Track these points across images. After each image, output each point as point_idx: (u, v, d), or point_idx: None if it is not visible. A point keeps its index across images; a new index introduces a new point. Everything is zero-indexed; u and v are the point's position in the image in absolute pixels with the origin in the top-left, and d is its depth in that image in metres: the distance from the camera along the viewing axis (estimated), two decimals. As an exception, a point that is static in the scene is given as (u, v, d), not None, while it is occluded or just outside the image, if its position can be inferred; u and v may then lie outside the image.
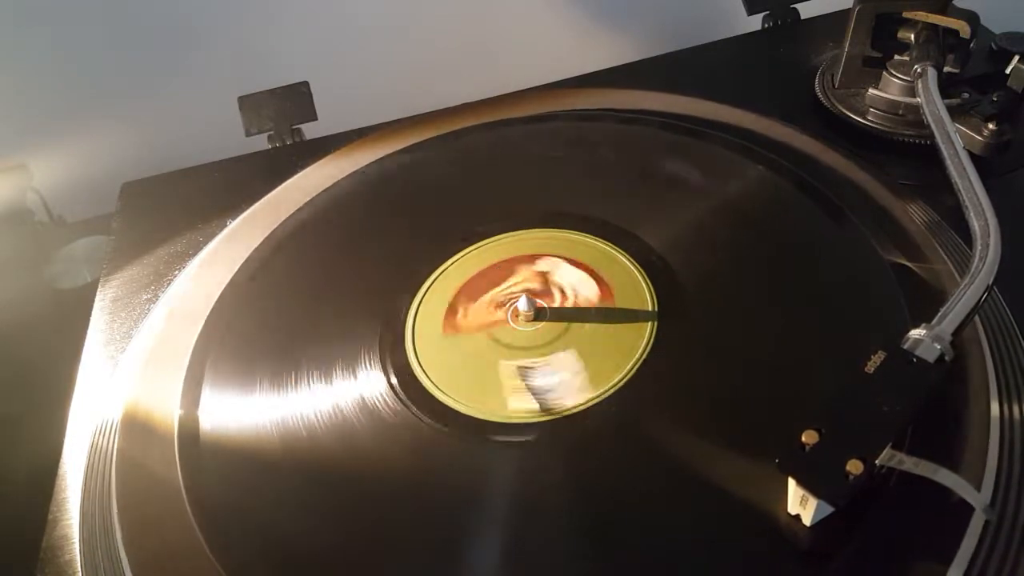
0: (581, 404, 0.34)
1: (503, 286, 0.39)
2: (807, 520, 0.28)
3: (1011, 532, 0.28)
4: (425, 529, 0.31)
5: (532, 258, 0.41)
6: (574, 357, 0.35)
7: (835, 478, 0.27)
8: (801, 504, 0.28)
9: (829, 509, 0.27)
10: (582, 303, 0.38)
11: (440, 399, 0.35)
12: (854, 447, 0.27)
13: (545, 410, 0.33)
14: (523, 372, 0.35)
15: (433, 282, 0.40)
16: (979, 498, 0.27)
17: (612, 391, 0.34)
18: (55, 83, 0.64)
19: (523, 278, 0.40)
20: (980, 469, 0.30)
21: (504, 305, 0.38)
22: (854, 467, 0.27)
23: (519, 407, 0.34)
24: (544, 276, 0.40)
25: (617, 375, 0.34)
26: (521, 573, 0.29)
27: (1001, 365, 0.33)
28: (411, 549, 0.30)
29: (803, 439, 0.28)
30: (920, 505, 0.28)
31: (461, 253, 0.42)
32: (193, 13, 0.65)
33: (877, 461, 0.27)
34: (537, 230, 0.42)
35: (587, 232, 0.41)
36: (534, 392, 0.34)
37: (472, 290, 0.40)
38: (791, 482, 0.28)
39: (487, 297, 0.39)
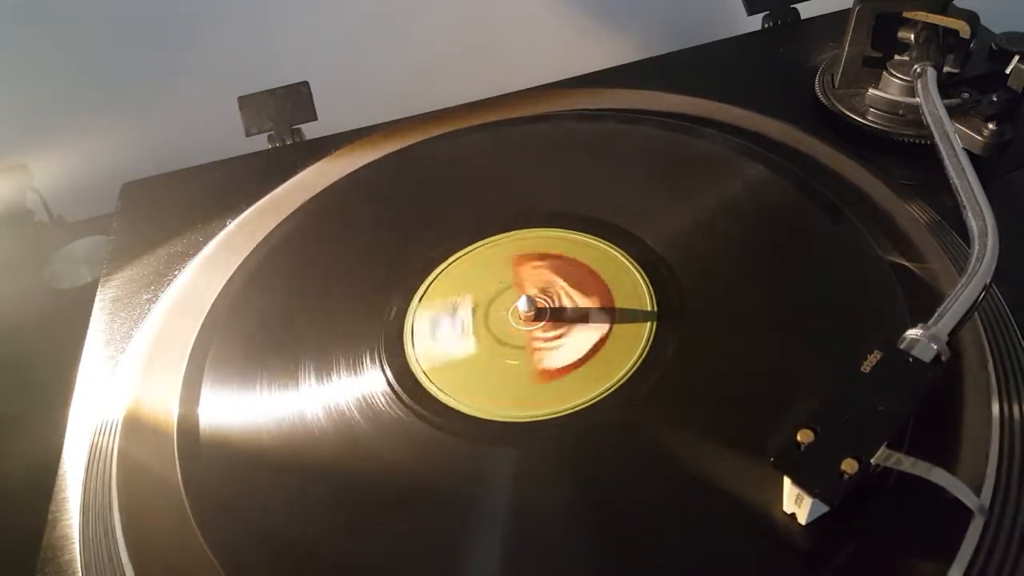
0: (581, 404, 0.34)
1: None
2: (802, 519, 0.28)
3: (1011, 532, 0.28)
4: (425, 529, 0.31)
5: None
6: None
7: (830, 477, 0.27)
8: (796, 503, 0.28)
9: (824, 508, 0.28)
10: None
11: (440, 399, 0.35)
12: (849, 446, 0.28)
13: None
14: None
15: (433, 282, 0.40)
16: (973, 497, 0.27)
17: (612, 391, 0.34)
18: (55, 83, 0.64)
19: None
20: (980, 469, 0.30)
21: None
22: (849, 466, 0.27)
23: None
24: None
25: (617, 375, 0.34)
26: (520, 572, 0.29)
27: (1001, 365, 0.33)
28: (411, 549, 0.30)
29: (798, 438, 0.28)
30: (920, 505, 0.28)
31: (461, 253, 0.42)
32: (193, 13, 0.65)
33: (872, 460, 0.27)
34: (537, 230, 0.42)
35: (587, 232, 0.41)
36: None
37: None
38: (786, 481, 0.28)
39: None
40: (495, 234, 0.42)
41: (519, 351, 0.36)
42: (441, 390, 0.35)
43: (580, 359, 0.36)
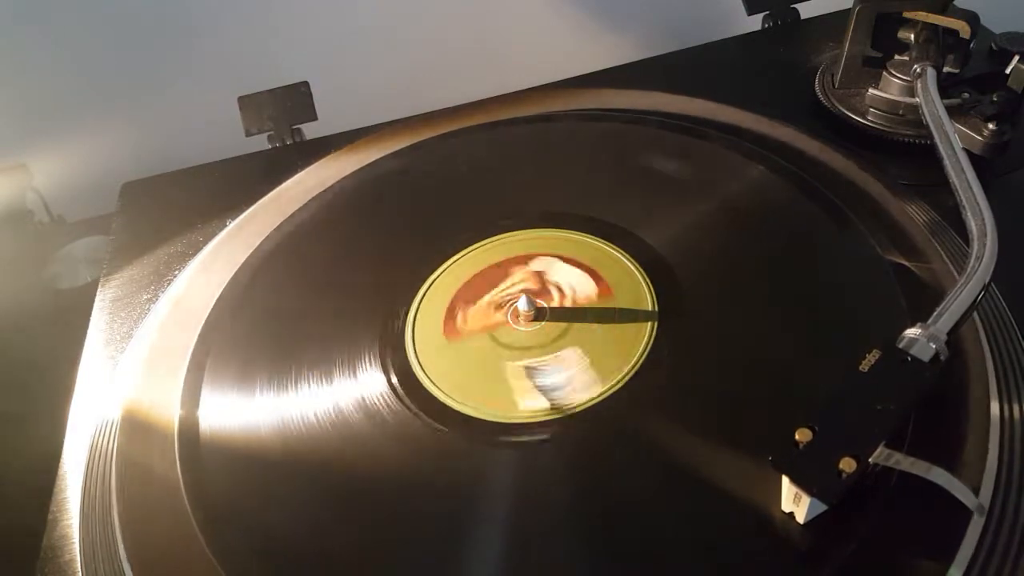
0: (581, 404, 0.34)
1: (500, 287, 0.39)
2: (800, 518, 0.28)
3: (1011, 532, 0.28)
4: (425, 529, 0.31)
5: (526, 258, 0.41)
6: (579, 354, 0.36)
7: (828, 476, 0.27)
8: (794, 502, 0.28)
9: (822, 507, 0.28)
10: (581, 301, 0.38)
11: (440, 399, 0.35)
12: (847, 445, 0.28)
13: (556, 408, 0.34)
14: (531, 372, 0.35)
15: (433, 282, 0.40)
16: (972, 497, 0.27)
17: (612, 391, 0.34)
18: (55, 83, 0.64)
19: (520, 279, 0.40)
20: (980, 469, 0.30)
21: (503, 307, 0.38)
22: (847, 465, 0.27)
23: (531, 407, 0.34)
24: (540, 276, 0.40)
25: (617, 375, 0.34)
26: (520, 572, 0.29)
27: (1001, 365, 0.33)
28: (411, 549, 0.30)
29: (797, 437, 0.28)
30: (920, 505, 0.28)
31: (461, 253, 0.42)
32: (193, 13, 0.65)
33: (870, 460, 0.27)
34: (537, 230, 0.42)
35: (587, 232, 0.41)
36: (544, 391, 0.34)
37: (469, 293, 0.40)
38: (785, 480, 0.28)
39: (485, 299, 0.39)
40: (495, 234, 0.42)
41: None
42: (441, 390, 0.35)
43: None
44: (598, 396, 0.34)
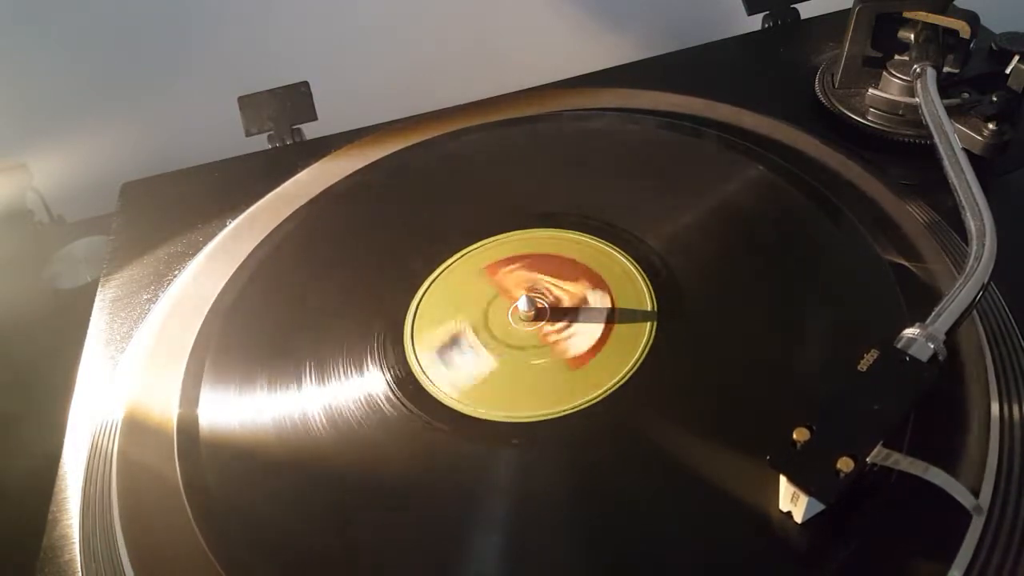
0: (581, 404, 0.34)
1: (554, 280, 0.39)
2: (798, 517, 0.28)
3: (1011, 532, 0.28)
4: (424, 529, 0.31)
5: (599, 283, 0.39)
6: (494, 364, 0.36)
7: (825, 475, 0.27)
8: (792, 501, 0.28)
9: (820, 506, 0.28)
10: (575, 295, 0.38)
11: (440, 399, 0.35)
12: (845, 445, 0.28)
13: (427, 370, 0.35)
14: (456, 336, 0.37)
15: (433, 282, 0.40)
16: (970, 497, 0.27)
17: (612, 391, 0.34)
18: (55, 83, 0.64)
19: (572, 290, 0.39)
20: (980, 469, 0.30)
21: (532, 291, 0.38)
22: (845, 465, 0.27)
23: (423, 353, 0.36)
24: (581, 303, 0.38)
25: (617, 375, 0.34)
26: (520, 572, 0.29)
27: (1001, 365, 0.33)
28: (410, 549, 0.30)
29: (794, 436, 0.28)
30: (920, 505, 0.28)
31: (461, 253, 0.42)
32: (193, 13, 0.65)
33: (868, 459, 0.27)
34: (537, 230, 0.42)
35: (587, 232, 0.41)
36: (441, 352, 0.36)
37: (535, 264, 0.40)
38: (783, 479, 0.28)
39: (534, 276, 0.40)
40: (494, 234, 0.42)
41: (540, 349, 0.36)
42: (441, 390, 0.35)
43: (598, 341, 0.36)
44: (598, 396, 0.34)
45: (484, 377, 0.36)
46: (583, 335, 0.36)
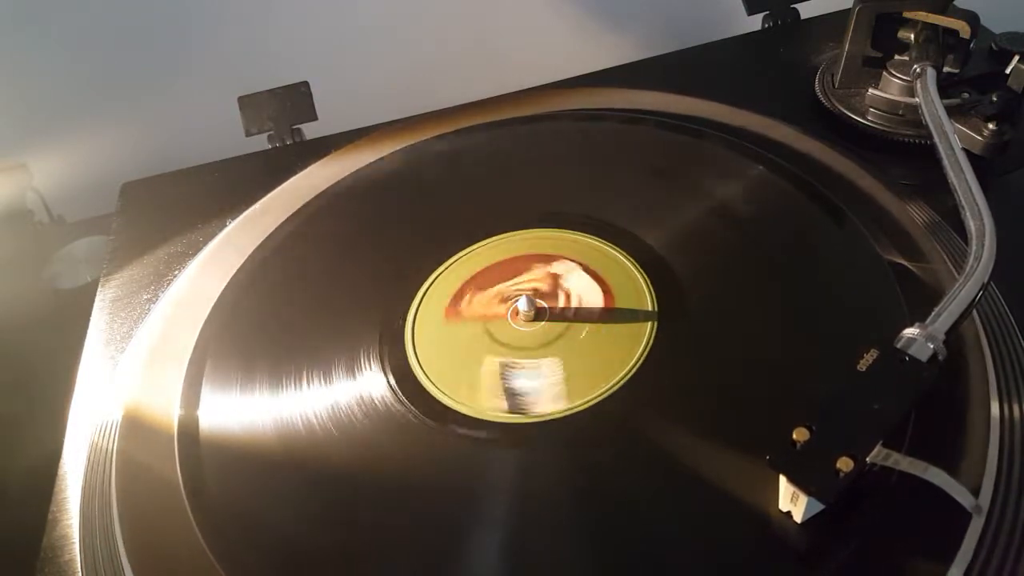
0: (581, 404, 0.34)
1: (513, 281, 0.39)
2: (798, 517, 0.28)
3: (1011, 532, 0.28)
4: (424, 528, 0.31)
5: (548, 258, 0.40)
6: (559, 366, 0.35)
7: (825, 475, 0.27)
8: (792, 501, 0.28)
9: (819, 506, 0.28)
10: (583, 312, 0.38)
11: (439, 399, 0.35)
12: (845, 445, 0.28)
13: (514, 411, 0.33)
14: (505, 370, 0.35)
15: (433, 282, 0.40)
16: (969, 497, 0.27)
17: (612, 391, 0.34)
18: (55, 83, 0.64)
19: (535, 276, 0.40)
20: (980, 469, 0.30)
21: (508, 300, 0.38)
22: (844, 464, 0.27)
23: (490, 405, 0.34)
24: (555, 279, 0.39)
25: (617, 375, 0.34)
26: (520, 572, 0.29)
27: (1001, 365, 0.33)
28: (410, 549, 0.30)
29: (794, 436, 0.28)
30: (920, 505, 0.28)
31: (461, 253, 0.42)
32: (193, 13, 0.65)
33: (868, 459, 0.27)
34: (537, 230, 0.42)
35: (587, 232, 0.41)
36: (509, 392, 0.34)
37: (483, 280, 0.40)
38: (782, 479, 0.28)
39: (495, 289, 0.39)
40: (495, 234, 0.42)
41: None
42: (441, 390, 0.35)
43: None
44: (598, 396, 0.34)
45: (560, 381, 0.35)
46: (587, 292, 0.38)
